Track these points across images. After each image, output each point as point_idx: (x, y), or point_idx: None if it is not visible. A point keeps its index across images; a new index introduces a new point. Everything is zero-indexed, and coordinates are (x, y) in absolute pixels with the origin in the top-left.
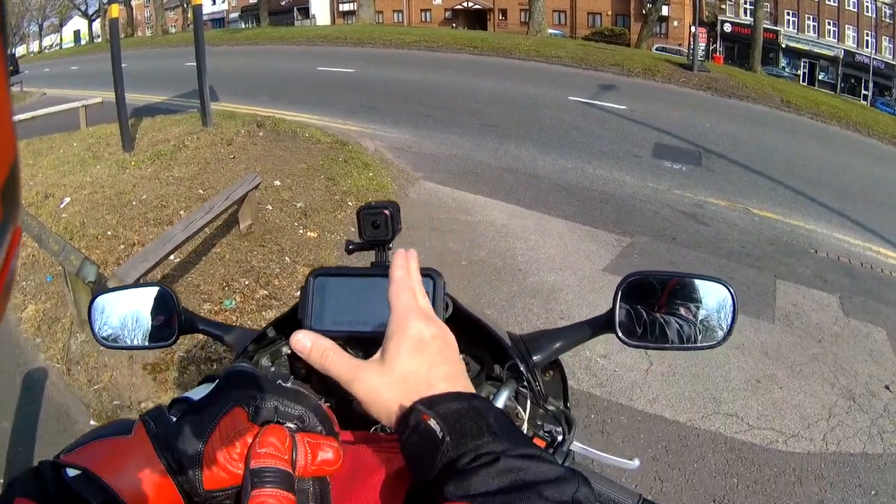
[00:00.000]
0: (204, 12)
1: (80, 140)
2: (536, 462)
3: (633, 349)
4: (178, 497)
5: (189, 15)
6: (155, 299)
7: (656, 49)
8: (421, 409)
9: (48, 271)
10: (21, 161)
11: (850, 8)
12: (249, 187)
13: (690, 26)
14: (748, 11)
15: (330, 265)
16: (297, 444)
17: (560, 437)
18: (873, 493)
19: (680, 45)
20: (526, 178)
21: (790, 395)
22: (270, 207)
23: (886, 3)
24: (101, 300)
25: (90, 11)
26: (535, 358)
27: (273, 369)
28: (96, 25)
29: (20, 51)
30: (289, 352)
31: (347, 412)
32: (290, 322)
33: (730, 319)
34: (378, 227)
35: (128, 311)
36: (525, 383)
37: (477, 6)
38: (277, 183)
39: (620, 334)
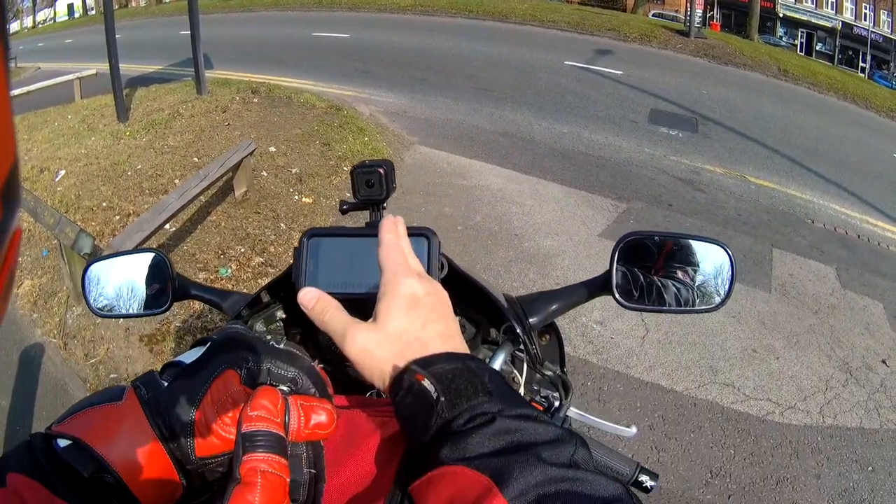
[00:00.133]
0: None
1: (74, 112)
2: (533, 423)
3: (629, 314)
4: (169, 465)
5: None
6: (149, 266)
7: (653, 15)
8: (415, 368)
9: (44, 245)
10: (20, 159)
11: None
12: (244, 154)
13: None
14: None
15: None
16: (290, 406)
17: (557, 403)
18: (870, 469)
19: (676, 11)
20: (522, 142)
21: (787, 365)
22: (265, 174)
23: None
24: (96, 268)
25: None
26: (531, 320)
27: (269, 337)
28: None
29: (14, 27)
30: (283, 316)
31: (343, 377)
32: (284, 286)
33: (728, 282)
34: (372, 186)
35: (122, 279)
36: (521, 346)
37: None
38: (272, 149)
39: (617, 296)
